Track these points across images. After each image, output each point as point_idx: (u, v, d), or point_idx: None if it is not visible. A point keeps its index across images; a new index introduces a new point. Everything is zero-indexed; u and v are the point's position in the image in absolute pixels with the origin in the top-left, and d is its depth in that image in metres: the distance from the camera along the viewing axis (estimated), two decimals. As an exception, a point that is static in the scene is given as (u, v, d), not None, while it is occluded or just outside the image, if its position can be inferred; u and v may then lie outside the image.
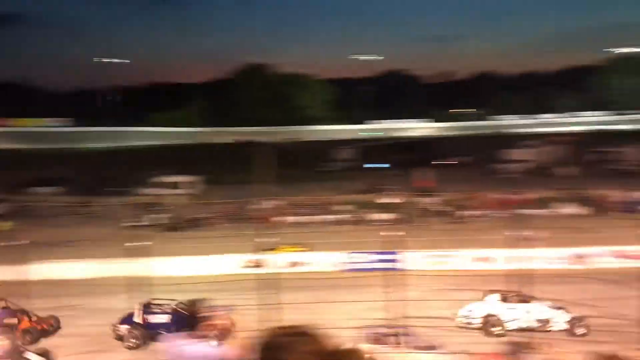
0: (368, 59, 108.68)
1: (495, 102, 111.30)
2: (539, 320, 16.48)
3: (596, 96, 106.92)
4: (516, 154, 53.58)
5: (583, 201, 33.40)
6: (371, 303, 17.27)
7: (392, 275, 17.65)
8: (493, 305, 17.03)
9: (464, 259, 23.68)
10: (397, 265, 22.81)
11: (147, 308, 16.88)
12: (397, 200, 34.38)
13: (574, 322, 16.30)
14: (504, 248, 19.79)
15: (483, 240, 24.41)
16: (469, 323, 17.06)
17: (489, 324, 16.65)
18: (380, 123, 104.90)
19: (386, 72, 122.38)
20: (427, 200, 35.19)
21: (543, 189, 35.77)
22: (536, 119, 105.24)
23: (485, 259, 22.86)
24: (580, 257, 22.80)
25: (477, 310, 17.13)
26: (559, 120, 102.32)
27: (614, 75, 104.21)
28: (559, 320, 16.46)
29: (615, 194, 33.61)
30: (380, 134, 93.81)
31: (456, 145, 68.74)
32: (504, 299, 17.03)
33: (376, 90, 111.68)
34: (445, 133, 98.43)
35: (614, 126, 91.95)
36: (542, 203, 33.50)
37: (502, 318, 16.67)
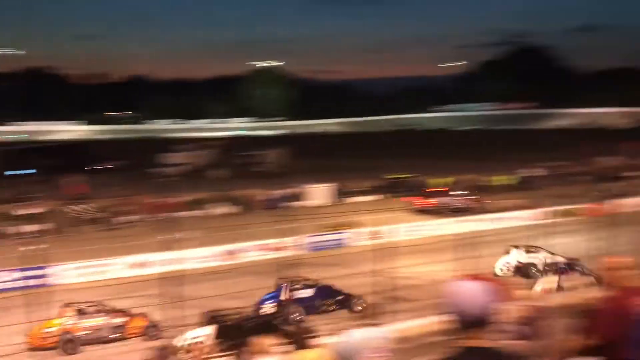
0: (4, 53, 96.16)
1: (149, 106, 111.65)
2: (549, 264, 20.22)
3: (241, 104, 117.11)
4: (172, 157, 54.65)
5: (233, 201, 36.07)
6: (12, 327, 15.30)
7: (38, 293, 15.96)
8: (522, 256, 21.11)
9: (121, 266, 22.99)
10: (45, 281, 20.80)
11: (292, 284, 17.72)
12: (43, 209, 31.28)
13: (572, 262, 20.18)
14: (160, 251, 19.89)
15: (140, 245, 24.09)
16: (508, 270, 20.93)
17: (526, 269, 20.53)
18: (24, 125, 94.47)
19: (26, 69, 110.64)
20: (79, 207, 32.99)
21: (197, 191, 37.30)
22: (189, 123, 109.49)
23: (142, 264, 22.62)
24: (231, 253, 24.55)
25: (509, 260, 21.22)
26: (210, 125, 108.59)
27: (255, 86, 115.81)
28: (561, 262, 20.26)
29: (259, 193, 37.27)
30: (24, 137, 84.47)
31: (111, 148, 66.47)
32: (527, 251, 21.28)
33: (16, 88, 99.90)
34: (99, 136, 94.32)
35: (256, 132, 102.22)
36: (196, 204, 34.87)
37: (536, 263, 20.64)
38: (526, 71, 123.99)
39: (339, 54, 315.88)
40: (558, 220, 28.83)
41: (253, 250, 24.76)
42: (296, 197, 36.90)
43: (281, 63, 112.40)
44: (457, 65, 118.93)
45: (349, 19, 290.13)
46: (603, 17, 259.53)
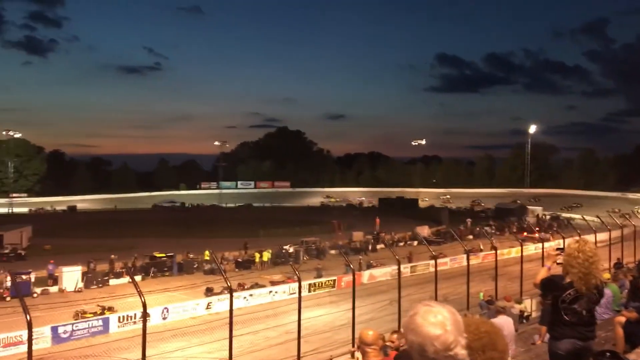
0: None
1: None
2: None
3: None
4: None
5: None
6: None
7: None
8: None
9: None
10: None
11: None
12: None
13: None
14: None
15: None
16: None
17: None
18: None
19: None
20: None
21: None
22: None
23: None
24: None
25: None
26: None
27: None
28: None
29: (0, 278, 32.57)
30: None
31: None
32: None
33: None
34: None
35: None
36: None
37: None
38: (282, 152, 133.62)
39: (96, 127, 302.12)
40: (315, 292, 31.09)
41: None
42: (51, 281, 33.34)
43: (19, 134, 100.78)
44: (220, 144, 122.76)
45: (108, 91, 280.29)
46: (349, 107, 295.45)
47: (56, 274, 34.05)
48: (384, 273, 35.73)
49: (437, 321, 2.03)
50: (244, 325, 22.01)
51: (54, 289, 32.77)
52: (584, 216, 43.01)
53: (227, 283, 15.40)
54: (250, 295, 29.90)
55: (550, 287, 5.30)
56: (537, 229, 56.22)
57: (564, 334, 5.13)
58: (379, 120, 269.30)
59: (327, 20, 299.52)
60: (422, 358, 2.02)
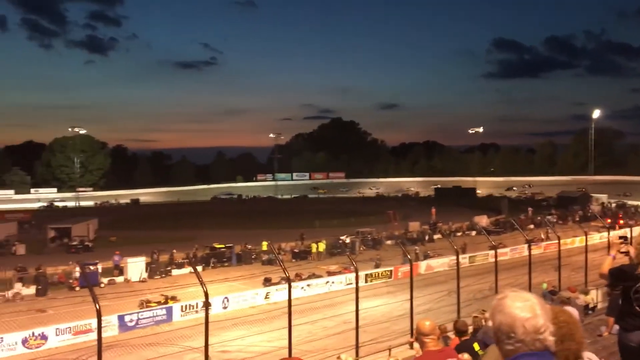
0: None
1: None
2: None
3: (46, 173, 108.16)
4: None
5: (38, 279, 32.29)
6: None
7: None
8: None
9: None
10: None
11: None
12: None
13: None
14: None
15: None
16: None
17: None
18: None
19: None
20: None
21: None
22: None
23: None
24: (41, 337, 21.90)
25: None
26: (8, 196, 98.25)
27: (61, 154, 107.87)
28: None
29: (69, 269, 34.10)
30: None
31: None
32: None
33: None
34: None
35: (64, 202, 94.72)
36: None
37: None
38: (336, 143, 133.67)
39: (155, 122, 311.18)
40: (371, 283, 31.03)
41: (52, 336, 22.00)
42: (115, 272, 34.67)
43: (84, 131, 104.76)
44: (275, 137, 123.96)
45: (166, 87, 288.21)
46: (403, 96, 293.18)
47: (121, 265, 35.36)
48: (441, 263, 35.26)
49: (527, 305, 2.00)
50: (302, 315, 22.20)
51: (119, 279, 34.04)
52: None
53: (285, 273, 15.58)
54: (308, 285, 30.14)
55: (621, 277, 5.08)
56: (620, 215, 54.20)
57: (636, 325, 4.93)
58: (434, 108, 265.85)
59: (379, 8, 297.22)
60: (508, 340, 1.98)
